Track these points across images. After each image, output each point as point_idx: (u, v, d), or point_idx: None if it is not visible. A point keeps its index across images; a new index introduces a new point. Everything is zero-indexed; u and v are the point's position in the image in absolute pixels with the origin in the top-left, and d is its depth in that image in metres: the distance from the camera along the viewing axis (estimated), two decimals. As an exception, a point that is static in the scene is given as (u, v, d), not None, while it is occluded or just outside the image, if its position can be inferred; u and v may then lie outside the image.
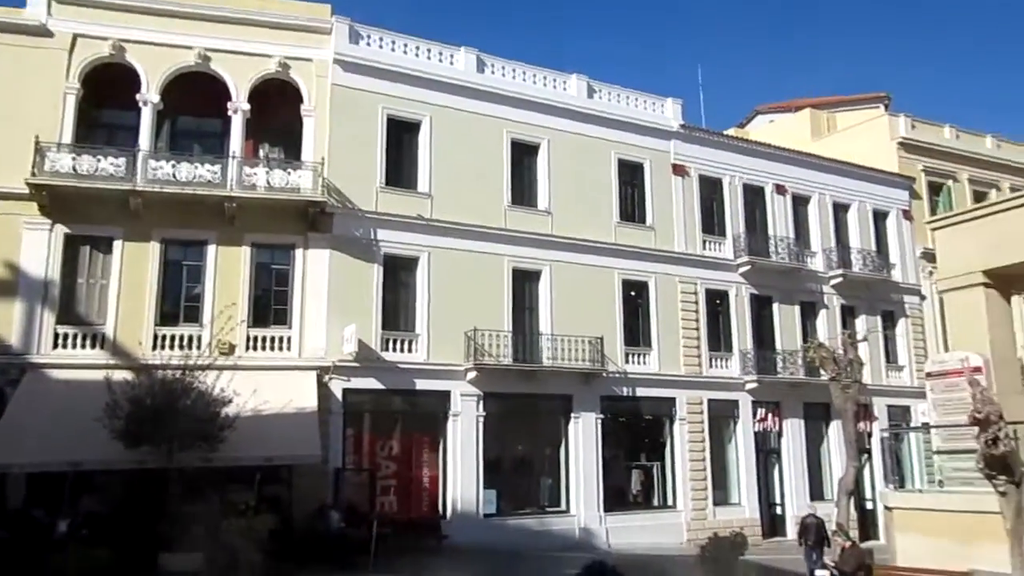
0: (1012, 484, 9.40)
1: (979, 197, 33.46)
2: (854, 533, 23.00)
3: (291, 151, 22.20)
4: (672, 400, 25.78)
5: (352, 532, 17.70)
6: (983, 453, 9.42)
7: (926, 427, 25.13)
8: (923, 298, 31.58)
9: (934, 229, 15.28)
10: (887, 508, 13.34)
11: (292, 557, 15.94)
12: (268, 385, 18.42)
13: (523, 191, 25.07)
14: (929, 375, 13.83)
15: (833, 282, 29.50)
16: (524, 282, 24.46)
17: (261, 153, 22.04)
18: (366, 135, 22.70)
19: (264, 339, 20.63)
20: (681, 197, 27.37)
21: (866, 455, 27.58)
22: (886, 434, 18.60)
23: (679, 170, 27.58)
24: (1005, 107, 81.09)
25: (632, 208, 26.80)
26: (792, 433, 27.51)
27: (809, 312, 29.10)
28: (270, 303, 21.16)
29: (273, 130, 22.40)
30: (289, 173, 21.11)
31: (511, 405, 23.34)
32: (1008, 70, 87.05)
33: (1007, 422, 10.03)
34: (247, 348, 20.29)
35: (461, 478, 22.00)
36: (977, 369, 12.50)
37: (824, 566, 12.56)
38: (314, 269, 21.36)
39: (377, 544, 17.69)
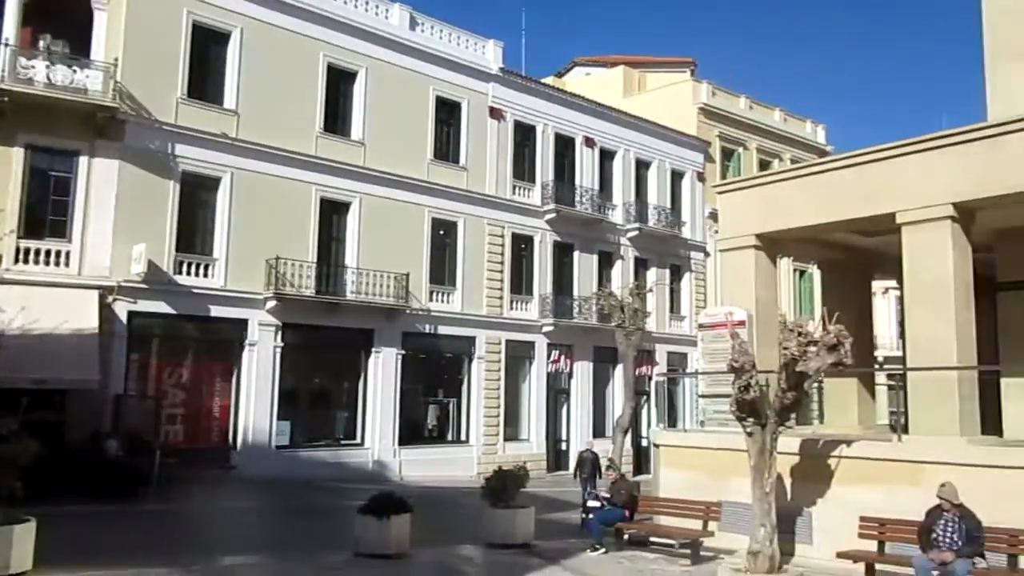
0: (758, 426, 10.61)
1: (764, 165, 36.55)
2: (628, 468, 25.11)
3: (79, 48, 20.10)
4: (472, 339, 26.50)
5: (131, 461, 16.90)
6: (736, 398, 10.55)
7: (693, 373, 27.82)
8: (707, 255, 34.23)
9: (719, 193, 16.55)
10: (655, 445, 14.64)
11: (63, 486, 15.00)
12: (41, 303, 16.97)
13: (337, 119, 24.38)
14: (701, 326, 15.18)
15: (630, 235, 31.27)
16: (332, 213, 23.97)
17: (41, 44, 19.79)
18: (167, 40, 21.03)
19: (38, 252, 18.88)
20: (496, 141, 27.75)
21: (645, 397, 29.85)
22: (660, 378, 20.23)
23: (496, 113, 27.88)
24: (793, 83, 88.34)
25: (447, 147, 26.86)
26: (582, 375, 29.20)
27: (606, 262, 30.74)
28: (47, 213, 19.34)
29: (58, 19, 20.13)
30: (75, 71, 19.19)
31: (311, 337, 23.01)
32: (800, 45, 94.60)
33: (759, 371, 11.26)
34: (16, 261, 18.50)
35: (254, 409, 21.55)
36: (741, 323, 13.88)
37: (596, 497, 13.64)
38: (100, 180, 19.70)
39: (159, 473, 17.02)
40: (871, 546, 10.25)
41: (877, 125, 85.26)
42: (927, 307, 12.70)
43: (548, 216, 28.57)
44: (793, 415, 11.39)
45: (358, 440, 23.93)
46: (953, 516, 9.13)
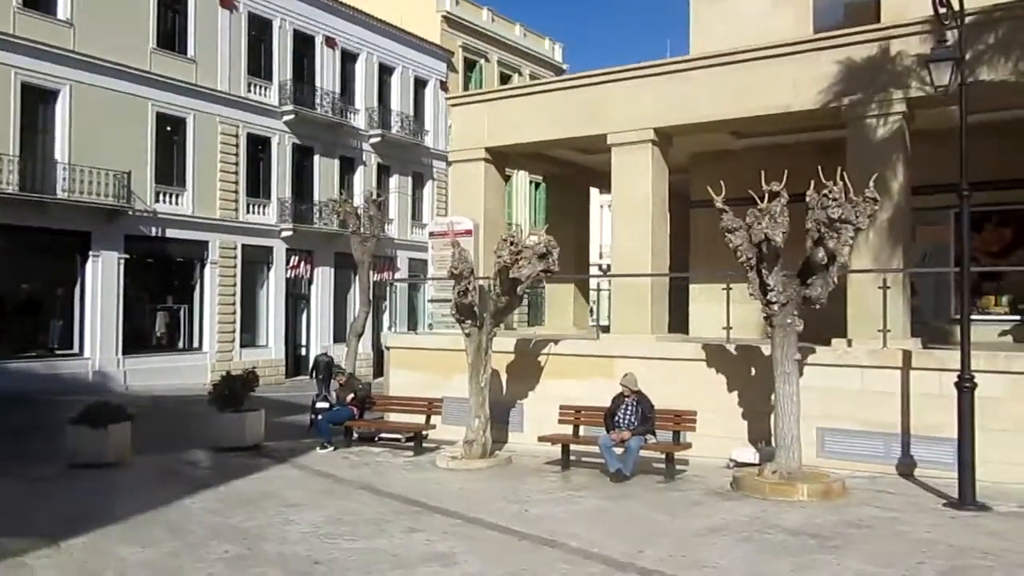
0: (475, 327, 11.53)
1: (505, 79, 37.71)
2: (368, 371, 25.78)
3: None
4: (205, 243, 25.39)
5: None
6: (456, 302, 11.36)
7: (421, 279, 28.86)
8: (449, 164, 34.95)
9: (452, 105, 17.07)
10: (386, 348, 15.30)
11: None
12: None
13: (39, -6, 21.58)
14: (431, 234, 15.87)
15: (372, 141, 31.14)
16: (37, 102, 21.46)
17: None
18: None
19: None
20: (228, 33, 26.08)
21: (386, 302, 30.47)
22: (394, 284, 20.92)
23: (227, 2, 26.09)
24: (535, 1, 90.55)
25: (172, 36, 24.83)
26: (322, 281, 29.14)
27: (348, 167, 30.49)
28: None
29: None
30: None
31: (17, 239, 20.80)
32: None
33: (481, 277, 12.13)
34: None
35: (-53, 319, 19.31)
36: (467, 232, 14.72)
37: (325, 398, 14.08)
38: None
39: None
40: (569, 430, 11.67)
41: (612, 46, 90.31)
42: (629, 221, 14.25)
43: (287, 117, 27.62)
44: (509, 316, 12.48)
45: (75, 350, 22.33)
46: (632, 401, 10.67)
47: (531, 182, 38.29)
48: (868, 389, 10.72)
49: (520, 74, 38.95)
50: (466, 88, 35.19)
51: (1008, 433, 9.72)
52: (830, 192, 9.16)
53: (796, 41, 13.75)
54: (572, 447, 11.51)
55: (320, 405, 14.01)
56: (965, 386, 8.79)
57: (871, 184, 9.55)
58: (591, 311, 18.80)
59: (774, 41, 14.26)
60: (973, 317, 14.89)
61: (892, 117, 12.14)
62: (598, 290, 17.13)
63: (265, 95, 27.33)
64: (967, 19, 11.36)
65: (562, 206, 19.33)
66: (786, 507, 8.78)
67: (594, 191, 20.68)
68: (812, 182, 9.64)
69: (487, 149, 15.79)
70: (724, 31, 16.94)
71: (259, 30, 27.22)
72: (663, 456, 10.62)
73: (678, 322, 15.92)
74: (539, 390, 13.06)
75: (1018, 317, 14.39)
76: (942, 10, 8.83)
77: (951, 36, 9.57)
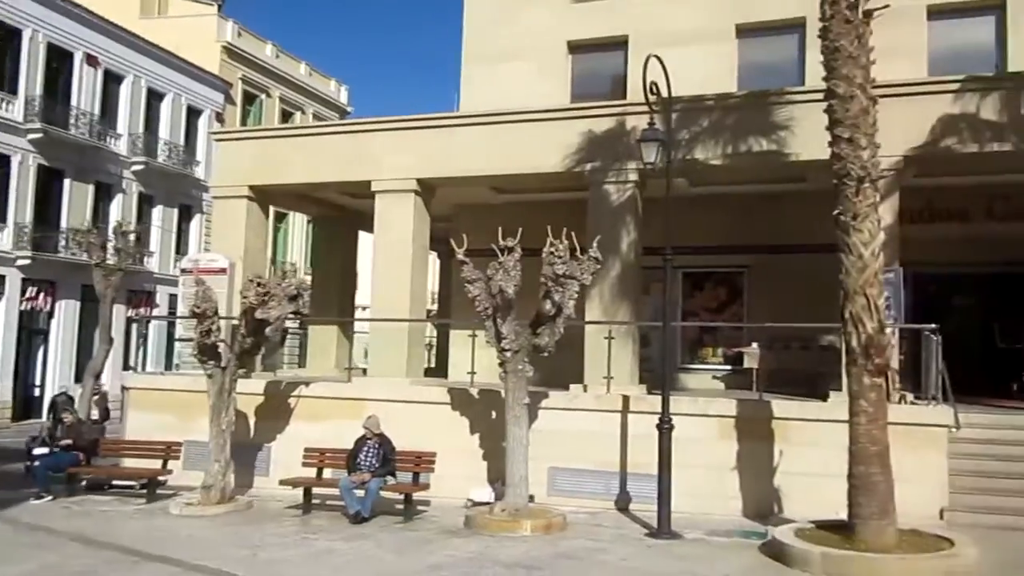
0: (218, 368, 11.27)
1: (287, 116, 37.17)
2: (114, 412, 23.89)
3: None
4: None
5: None
6: (198, 342, 11.07)
7: (163, 317, 27.60)
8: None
9: (216, 140, 16.70)
10: (124, 388, 14.45)
11: None
12: None
13: None
14: (182, 271, 15.30)
15: (135, 168, 29.38)
16: None
17: None
18: None
19: None
20: (-34, 38, 23.72)
21: (138, 339, 28.54)
22: (143, 321, 19.80)
23: (-33, 6, 23.80)
24: (328, 41, 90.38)
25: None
26: (65, 314, 26.78)
27: (105, 194, 28.50)
28: None
29: None
30: None
31: None
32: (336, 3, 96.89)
33: (222, 317, 11.90)
34: None
35: None
36: (222, 270, 14.35)
37: (44, 442, 12.95)
38: None
39: None
40: (313, 473, 11.62)
41: (402, 95, 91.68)
42: (390, 265, 14.60)
43: (32, 135, 25.35)
44: (277, 357, 12.29)
45: None
46: (375, 443, 10.89)
47: (309, 221, 37.66)
48: (594, 431, 11.67)
49: (304, 112, 38.54)
50: (244, 122, 34.29)
51: (703, 469, 10.96)
52: (556, 250, 10.01)
53: (549, 109, 14.95)
54: (317, 490, 11.47)
55: (37, 451, 12.84)
56: (664, 428, 9.88)
57: (595, 245, 10.54)
58: (364, 353, 18.86)
59: (536, 106, 15.41)
60: (694, 366, 16.86)
61: (627, 184, 13.48)
62: (362, 333, 17.23)
63: (8, 110, 25.02)
64: (683, 104, 13.04)
65: (330, 248, 19.35)
66: (509, 542, 9.33)
67: (369, 235, 20.90)
68: (548, 240, 10.51)
69: (251, 187, 15.57)
70: (491, 92, 18.01)
71: (5, 38, 24.97)
72: (403, 498, 10.89)
73: (442, 365, 16.44)
74: (288, 432, 12.91)
75: (730, 367, 16.28)
76: (652, 97, 10.03)
77: (660, 120, 10.81)
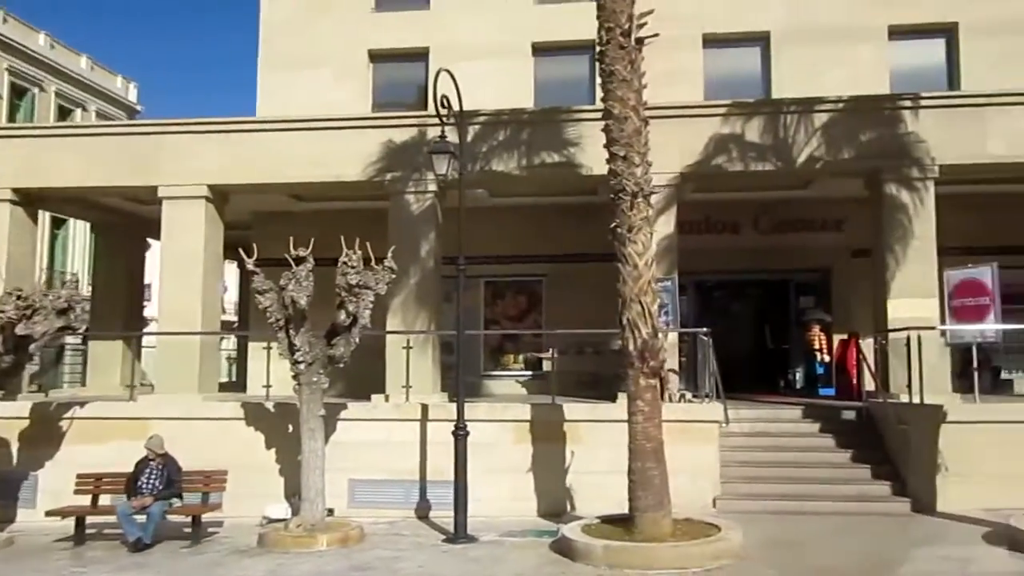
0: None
1: (64, 112, 34.19)
2: None
3: None
4: None
5: None
6: None
7: None
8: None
9: (-27, 138, 15.07)
10: None
11: None
12: None
13: None
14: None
15: None
16: None
17: None
18: None
19: None
20: None
21: None
22: None
23: None
24: (121, 37, 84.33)
25: None
26: None
27: None
28: None
29: None
30: None
31: None
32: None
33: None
34: None
35: None
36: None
37: None
38: None
39: None
40: (87, 501, 10.76)
41: (200, 95, 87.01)
42: (179, 276, 13.85)
43: None
44: (54, 376, 11.25)
45: None
46: (158, 464, 10.28)
47: (51, 218, 34.71)
48: (394, 440, 11.67)
49: (85, 109, 35.62)
50: (13, 118, 31.17)
51: (500, 473, 11.28)
52: (349, 260, 9.95)
53: (349, 117, 14.84)
54: (94, 519, 10.64)
55: None
56: (459, 434, 10.07)
57: (389, 255, 10.57)
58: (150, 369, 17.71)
59: (337, 114, 15.20)
60: (497, 372, 17.28)
61: (426, 195, 13.63)
62: (152, 347, 16.19)
63: None
64: (481, 117, 13.40)
65: (114, 257, 18.09)
66: (304, 558, 9.13)
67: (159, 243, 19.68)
68: (345, 249, 10.40)
69: (15, 190, 14.25)
70: (290, 98, 17.63)
71: None
72: (191, 520, 10.35)
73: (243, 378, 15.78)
74: (59, 459, 11.88)
75: (530, 372, 16.85)
76: (444, 110, 10.23)
77: (453, 132, 11.01)
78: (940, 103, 13.36)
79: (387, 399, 12.68)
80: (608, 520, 9.57)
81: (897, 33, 16.51)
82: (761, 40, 17.03)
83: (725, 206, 16.25)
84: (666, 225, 13.22)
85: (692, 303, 17.71)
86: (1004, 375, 16.15)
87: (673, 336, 12.96)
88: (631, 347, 9.16)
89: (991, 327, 11.85)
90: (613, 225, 9.33)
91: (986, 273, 11.85)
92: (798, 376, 16.97)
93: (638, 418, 9.14)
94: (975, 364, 12.17)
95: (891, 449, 11.82)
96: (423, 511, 11.41)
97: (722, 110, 13.51)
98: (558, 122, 13.68)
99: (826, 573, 7.99)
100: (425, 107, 16.33)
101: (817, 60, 16.20)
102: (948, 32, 16.51)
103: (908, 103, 13.27)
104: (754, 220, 16.56)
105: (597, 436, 11.35)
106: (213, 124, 14.41)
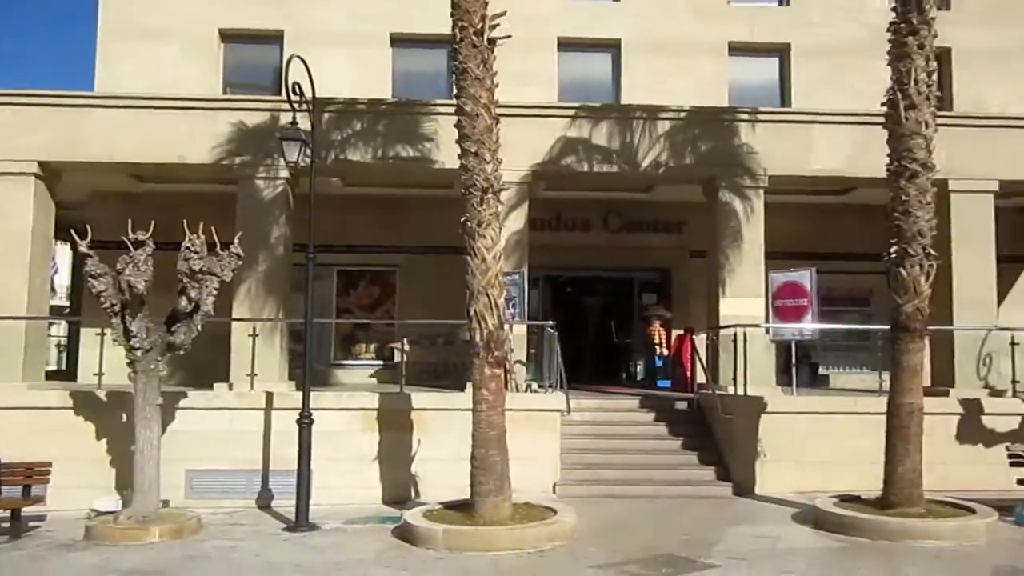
0: None
1: None
2: None
3: None
4: None
5: None
6: None
7: None
8: None
9: None
10: None
11: None
12: None
13: None
14: None
15: None
16: None
17: None
18: None
19: None
20: None
21: None
22: None
23: None
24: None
25: None
26: None
27: None
28: None
29: None
30: None
31: None
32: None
33: None
34: None
35: None
36: None
37: None
38: None
39: None
40: None
41: (37, 69, 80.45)
42: (4, 257, 12.92)
43: None
44: None
45: None
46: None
47: None
48: (236, 429, 11.42)
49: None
50: None
51: (346, 461, 11.29)
52: (193, 245, 9.68)
53: (197, 97, 14.36)
54: None
55: None
56: (304, 422, 10.03)
57: (236, 240, 10.35)
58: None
59: (184, 92, 14.61)
60: (348, 362, 17.19)
61: (278, 181, 13.38)
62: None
63: None
64: (337, 106, 13.31)
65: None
66: (134, 550, 8.82)
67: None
68: (189, 234, 10.08)
69: None
70: (131, 73, 16.79)
71: None
72: (9, 514, 9.76)
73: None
74: None
75: (382, 362, 16.87)
76: (295, 97, 10.12)
77: (306, 119, 10.88)
78: (772, 118, 14.42)
79: (231, 388, 12.39)
80: (450, 506, 9.80)
81: (736, 49, 17.65)
82: (613, 47, 17.74)
83: (577, 205, 16.87)
84: (517, 221, 13.61)
85: (543, 297, 18.29)
86: (822, 371, 17.61)
87: (521, 328, 13.37)
88: (477, 338, 9.42)
89: (808, 326, 12.98)
90: (463, 219, 9.55)
91: (805, 277, 12.95)
92: (639, 368, 17.88)
93: (482, 407, 9.41)
94: (794, 360, 13.28)
95: (718, 437, 12.70)
96: (265, 501, 11.25)
97: (572, 112, 14.03)
98: (414, 115, 13.77)
99: (650, 551, 8.53)
100: (280, 91, 15.92)
101: (664, 70, 17.06)
102: (781, 52, 17.81)
103: (744, 116, 14.27)
104: (604, 219, 17.27)
105: (444, 424, 11.55)
106: (44, 97, 13.54)
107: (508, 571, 7.87)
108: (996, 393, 13.27)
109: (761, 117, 14.24)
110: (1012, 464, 10.70)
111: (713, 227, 14.22)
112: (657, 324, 16.84)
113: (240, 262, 10.40)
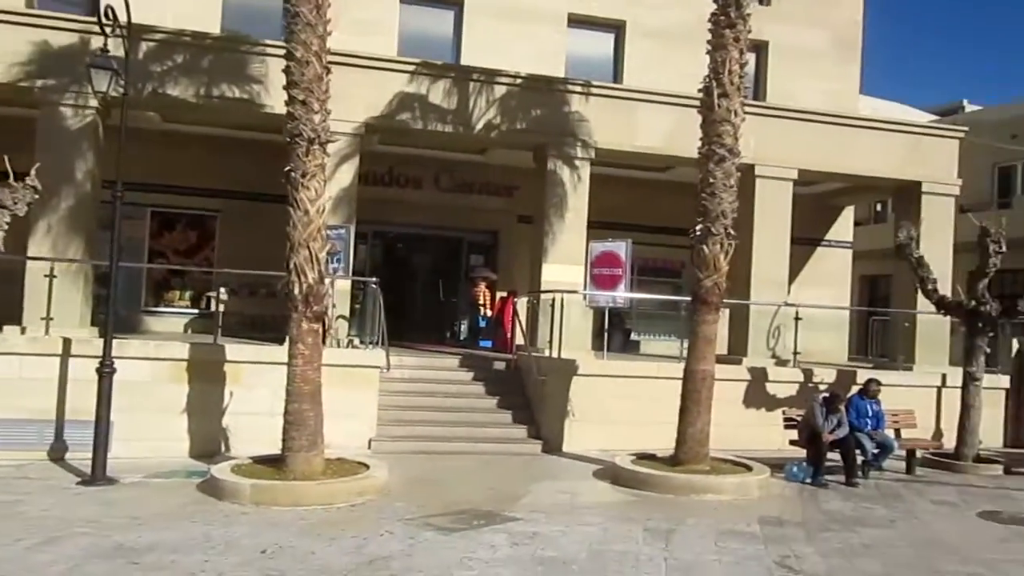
0: None
1: None
2: None
3: None
4: None
5: None
6: None
7: None
8: None
9: None
10: None
11: None
12: None
13: None
14: None
15: None
16: None
17: None
18: None
19: None
20: None
21: None
22: None
23: None
24: None
25: None
26: None
27: None
28: None
29: None
30: None
31: None
32: None
33: None
34: None
35: None
36: None
37: None
38: None
39: None
40: None
41: None
42: None
43: None
44: None
45: None
46: None
47: None
48: (27, 376, 10.63)
49: None
50: None
51: (151, 412, 10.82)
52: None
53: (-6, 7, 12.93)
54: None
55: None
56: (104, 371, 9.50)
57: (33, 172, 9.54)
58: None
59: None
60: (161, 309, 16.36)
61: (87, 110, 12.39)
62: None
63: None
64: (159, 35, 12.48)
65: None
66: (-103, 508, 8.09)
67: None
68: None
69: None
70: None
71: None
72: None
73: None
74: None
75: (197, 311, 16.17)
76: (108, 22, 9.40)
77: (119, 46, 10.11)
78: (603, 92, 14.93)
79: (23, 331, 11.49)
80: (261, 460, 9.66)
81: (575, 21, 18.02)
82: (456, 5, 17.60)
83: (410, 161, 16.80)
84: (348, 174, 13.40)
85: (372, 253, 18.16)
86: (635, 337, 18.68)
87: (346, 284, 13.24)
88: (296, 291, 9.26)
89: (621, 295, 13.71)
90: (287, 169, 9.30)
91: (621, 247, 13.64)
92: (464, 328, 18.19)
93: (298, 361, 9.30)
94: (607, 326, 14.01)
95: (531, 397, 13.23)
96: (59, 453, 10.58)
97: (411, 68, 13.90)
98: (243, 53, 13.13)
99: (457, 505, 8.82)
100: (94, 13, 14.71)
101: (504, 34, 17.16)
102: (617, 29, 18.38)
103: (577, 88, 14.69)
104: (436, 178, 17.32)
105: (259, 378, 11.29)
106: None
107: (315, 525, 7.89)
108: (782, 363, 14.65)
109: (593, 91, 14.71)
110: (787, 426, 11.91)
111: (540, 193, 14.62)
112: (483, 285, 17.18)
113: (37, 196, 9.59)
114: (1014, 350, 15.36)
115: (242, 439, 11.10)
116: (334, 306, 12.36)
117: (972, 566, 7.46)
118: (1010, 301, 12.84)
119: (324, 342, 10.15)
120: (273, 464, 9.41)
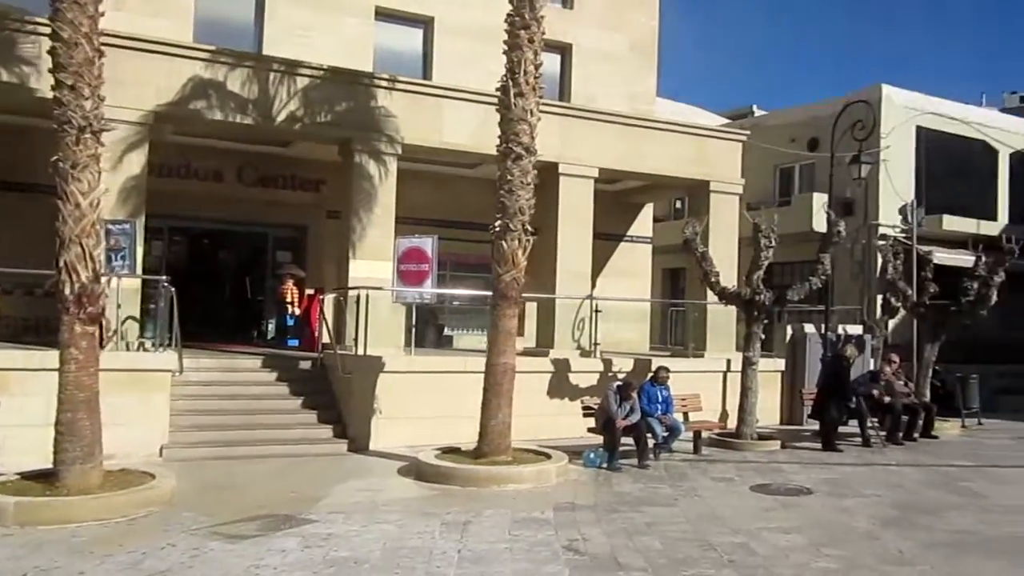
0: None
1: None
2: None
3: None
4: None
5: None
6: None
7: None
8: None
9: None
10: None
11: None
12: None
13: None
14: None
15: None
16: None
17: None
18: None
19: None
20: None
21: None
22: None
23: None
24: None
25: None
26: None
27: None
28: None
29: None
30: None
31: None
32: None
33: None
34: None
35: None
36: None
37: None
38: None
39: None
40: None
41: None
42: None
43: None
44: None
45: None
46: None
47: None
48: None
49: None
50: None
51: None
52: None
53: None
54: None
55: None
56: None
57: None
58: None
59: None
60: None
61: None
62: None
63: None
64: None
65: None
66: None
67: None
68: None
69: None
70: None
71: None
72: None
73: None
74: None
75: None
76: None
77: None
78: (409, 88, 14.87)
79: None
80: (31, 476, 8.85)
81: (382, 15, 17.82)
82: (258, -11, 16.90)
83: (210, 153, 15.98)
84: (135, 165, 12.56)
85: (169, 249, 17.17)
86: (448, 332, 18.79)
87: (136, 283, 12.42)
88: (67, 291, 8.57)
89: (427, 290, 13.74)
90: (54, 159, 8.58)
91: (428, 243, 13.66)
92: (270, 327, 17.59)
93: (71, 367, 8.60)
94: (414, 322, 14.01)
95: (338, 396, 13.01)
96: None
97: (206, 55, 13.23)
98: (12, 32, 11.96)
99: (252, 511, 8.50)
100: None
101: (308, 24, 16.67)
102: (426, 24, 18.37)
103: (383, 83, 14.54)
104: (238, 171, 16.58)
105: (32, 386, 10.38)
106: None
107: (88, 543, 7.33)
108: (585, 353, 15.26)
109: (399, 86, 14.62)
110: (585, 415, 12.42)
111: (347, 188, 14.38)
112: (290, 283, 16.67)
113: None
114: (788, 336, 16.86)
115: (14, 452, 10.04)
116: (118, 307, 11.57)
117: (740, 537, 8.10)
118: (780, 291, 14.05)
119: (102, 345, 9.46)
120: (45, 479, 8.66)
